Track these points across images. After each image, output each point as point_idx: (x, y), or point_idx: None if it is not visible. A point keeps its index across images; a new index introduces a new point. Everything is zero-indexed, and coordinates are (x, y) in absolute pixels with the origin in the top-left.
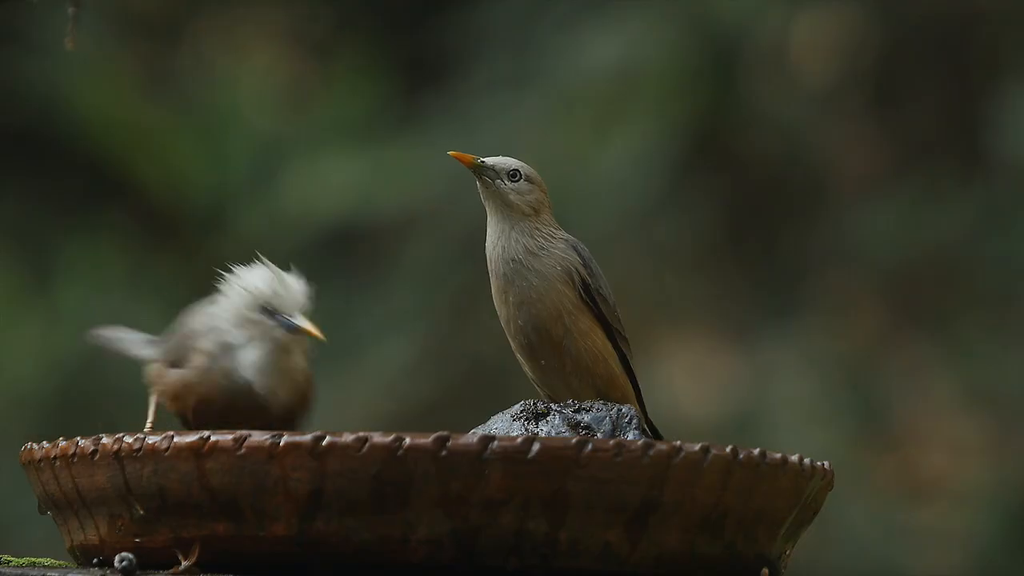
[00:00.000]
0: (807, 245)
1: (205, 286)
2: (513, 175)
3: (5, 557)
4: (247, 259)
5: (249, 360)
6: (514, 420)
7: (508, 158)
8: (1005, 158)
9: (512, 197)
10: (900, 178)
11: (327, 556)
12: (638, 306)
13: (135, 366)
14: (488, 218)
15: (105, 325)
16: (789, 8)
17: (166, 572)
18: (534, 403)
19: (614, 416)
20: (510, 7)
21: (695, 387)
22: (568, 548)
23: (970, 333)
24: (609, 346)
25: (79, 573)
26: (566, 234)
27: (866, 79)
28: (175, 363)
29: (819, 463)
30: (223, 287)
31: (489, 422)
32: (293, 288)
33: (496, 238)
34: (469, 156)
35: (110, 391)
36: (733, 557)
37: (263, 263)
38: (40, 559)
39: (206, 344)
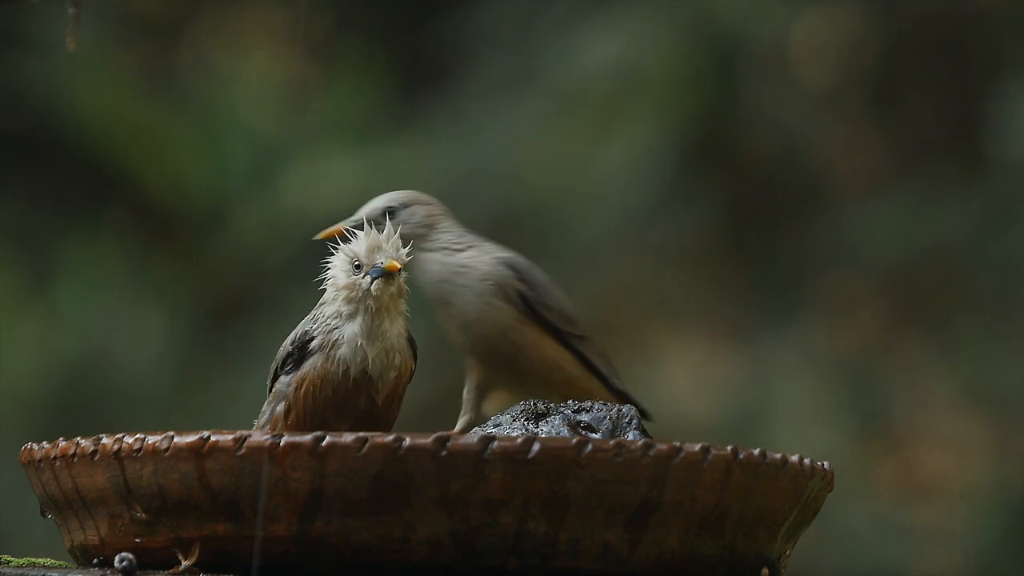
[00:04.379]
0: (807, 245)
1: (205, 286)
2: (392, 213)
3: (5, 557)
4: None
5: (349, 333)
6: (514, 420)
7: (376, 201)
8: (1005, 158)
9: (404, 231)
10: (900, 178)
11: (327, 556)
12: (638, 306)
13: (134, 366)
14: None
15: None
16: (789, 9)
17: (166, 572)
18: (534, 403)
19: (614, 416)
20: (510, 7)
21: (695, 387)
22: (568, 548)
23: (970, 333)
24: (564, 351)
25: (79, 573)
26: (496, 249)
27: (866, 79)
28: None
29: (819, 463)
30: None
31: (489, 422)
32: (378, 238)
33: (424, 270)
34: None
35: (110, 391)
36: (733, 557)
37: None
38: (40, 559)
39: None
